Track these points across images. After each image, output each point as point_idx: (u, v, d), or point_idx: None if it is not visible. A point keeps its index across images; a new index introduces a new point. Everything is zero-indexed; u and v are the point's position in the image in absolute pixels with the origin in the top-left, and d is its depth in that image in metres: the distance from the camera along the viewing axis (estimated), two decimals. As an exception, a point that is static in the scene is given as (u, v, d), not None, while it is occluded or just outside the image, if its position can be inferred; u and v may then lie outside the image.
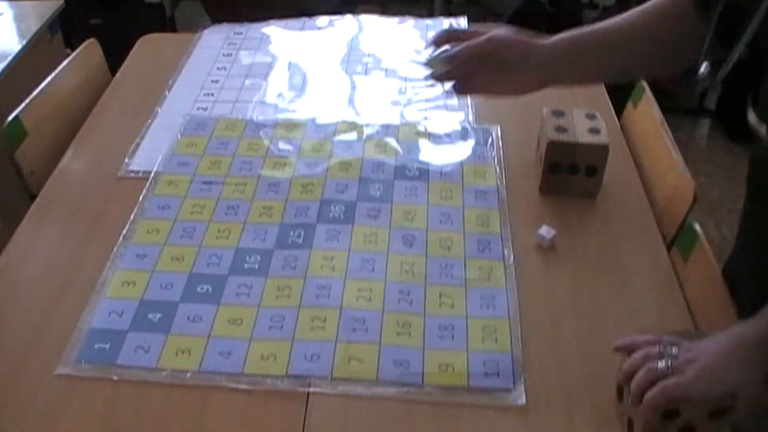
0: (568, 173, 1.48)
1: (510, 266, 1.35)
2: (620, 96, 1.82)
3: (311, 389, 1.15)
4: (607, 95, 1.82)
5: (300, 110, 1.78)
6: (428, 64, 1.27)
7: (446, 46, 1.26)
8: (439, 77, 1.27)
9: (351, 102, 1.82)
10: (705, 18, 1.16)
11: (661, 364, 1.02)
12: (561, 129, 1.46)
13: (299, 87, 1.88)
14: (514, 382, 1.16)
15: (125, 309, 1.28)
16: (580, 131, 1.46)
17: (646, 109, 1.70)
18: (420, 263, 1.36)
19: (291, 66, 1.97)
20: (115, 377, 1.18)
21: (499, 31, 1.24)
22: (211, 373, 1.18)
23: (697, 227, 1.36)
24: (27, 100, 1.73)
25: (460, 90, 1.28)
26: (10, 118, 1.66)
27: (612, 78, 1.42)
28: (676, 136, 1.58)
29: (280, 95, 1.85)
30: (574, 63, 1.27)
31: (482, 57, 1.24)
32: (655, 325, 1.26)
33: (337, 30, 2.13)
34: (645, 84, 1.72)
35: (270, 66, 1.97)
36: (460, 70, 1.25)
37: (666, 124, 1.60)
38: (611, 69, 1.31)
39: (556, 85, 1.28)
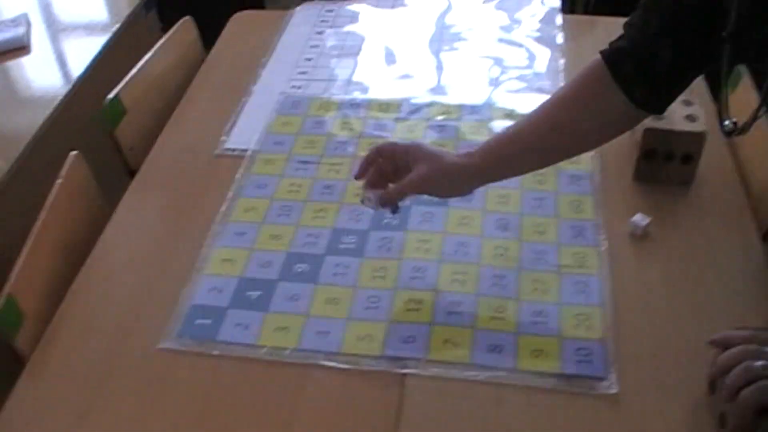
0: (663, 160, 1.47)
1: (603, 253, 1.35)
2: (718, 79, 1.79)
3: (406, 370, 1.18)
4: (703, 78, 1.79)
5: (391, 90, 1.80)
6: (363, 203, 1.29)
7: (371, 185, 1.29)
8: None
9: (440, 82, 1.83)
10: (627, 88, 1.18)
11: (759, 363, 1.01)
12: (657, 115, 1.45)
13: (389, 66, 1.90)
14: (606, 371, 1.16)
15: (225, 286, 1.32)
16: (677, 118, 1.45)
17: (743, 95, 1.67)
18: (514, 248, 1.36)
19: (381, 45, 1.98)
20: (216, 352, 1.22)
21: (425, 166, 1.24)
22: (310, 352, 1.21)
23: (796, 219, 1.35)
24: (126, 79, 1.78)
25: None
26: (110, 96, 1.71)
27: (542, 167, 1.41)
28: (767, 122, 1.56)
29: (371, 74, 1.87)
30: (503, 172, 1.30)
31: (414, 194, 1.28)
32: (748, 317, 1.25)
33: (426, 8, 2.13)
34: (743, 69, 1.69)
35: (361, 44, 1.99)
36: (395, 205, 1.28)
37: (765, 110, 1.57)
38: (541, 164, 1.34)
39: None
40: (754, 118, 1.08)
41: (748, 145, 1.59)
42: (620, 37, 1.21)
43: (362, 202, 1.29)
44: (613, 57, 1.20)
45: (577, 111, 1.24)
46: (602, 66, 1.21)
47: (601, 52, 1.22)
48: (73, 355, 1.23)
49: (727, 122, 1.13)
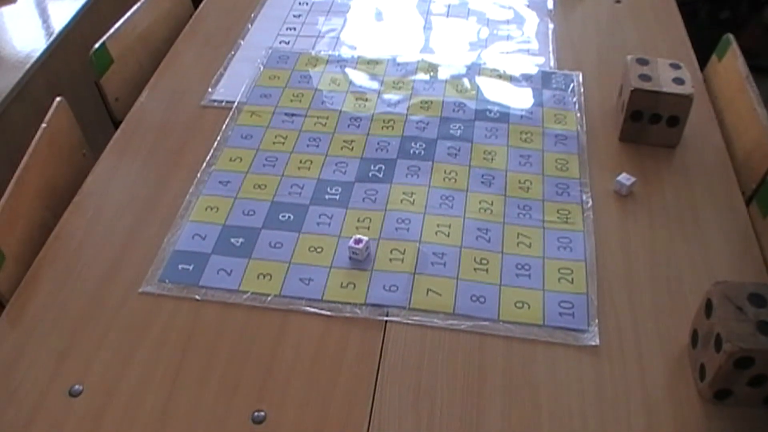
0: (649, 122, 1.47)
1: (588, 211, 1.36)
2: (704, 48, 1.80)
3: (389, 318, 1.18)
4: (690, 47, 1.79)
5: (379, 48, 1.79)
6: None
7: None
8: None
9: (428, 42, 1.82)
10: None
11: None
12: (645, 77, 1.45)
13: (377, 26, 1.89)
14: (588, 323, 1.17)
15: (208, 233, 1.31)
16: (665, 80, 1.45)
17: (731, 63, 1.67)
18: (498, 203, 1.36)
19: (370, 4, 1.97)
20: (197, 297, 1.21)
21: None
22: (292, 298, 1.20)
23: (780, 182, 1.35)
24: (113, 29, 1.76)
25: None
26: (97, 45, 1.69)
27: None
28: (755, 95, 1.56)
29: (359, 33, 1.86)
30: None
31: None
32: (729, 276, 1.25)
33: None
34: (731, 37, 1.70)
35: (349, 3, 1.99)
36: None
37: (751, 78, 1.58)
38: None
39: None
40: None
41: (733, 110, 1.59)
42: None
43: None
44: None
45: None
46: None
47: None
48: (54, 297, 1.23)
49: None
